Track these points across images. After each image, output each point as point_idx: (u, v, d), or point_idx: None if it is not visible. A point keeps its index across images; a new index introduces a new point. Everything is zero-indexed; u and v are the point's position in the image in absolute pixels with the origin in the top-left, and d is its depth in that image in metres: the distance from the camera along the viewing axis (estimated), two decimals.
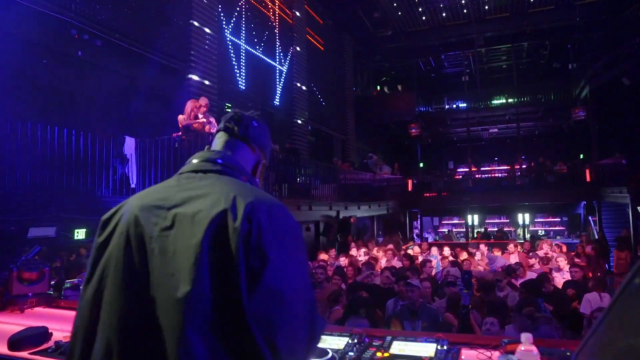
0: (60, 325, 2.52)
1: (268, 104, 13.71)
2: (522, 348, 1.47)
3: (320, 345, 1.78)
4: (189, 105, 7.87)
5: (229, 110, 9.42)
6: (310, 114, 15.84)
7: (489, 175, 20.21)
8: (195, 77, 10.18)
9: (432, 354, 1.64)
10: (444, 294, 6.27)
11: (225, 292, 1.00)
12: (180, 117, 7.77)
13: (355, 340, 1.80)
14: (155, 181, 7.59)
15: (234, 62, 11.94)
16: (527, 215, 21.08)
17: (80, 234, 7.61)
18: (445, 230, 22.99)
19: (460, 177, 20.45)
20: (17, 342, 2.14)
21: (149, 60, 9.22)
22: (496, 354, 1.85)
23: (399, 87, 23.30)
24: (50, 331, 2.32)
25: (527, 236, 19.86)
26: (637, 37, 13.73)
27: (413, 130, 21.25)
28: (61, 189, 6.43)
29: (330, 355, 1.61)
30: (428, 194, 19.98)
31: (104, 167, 7.01)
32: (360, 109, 20.79)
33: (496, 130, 22.56)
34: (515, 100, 20.84)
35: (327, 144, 18.47)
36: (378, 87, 23.87)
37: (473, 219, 21.91)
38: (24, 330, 2.23)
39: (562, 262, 8.02)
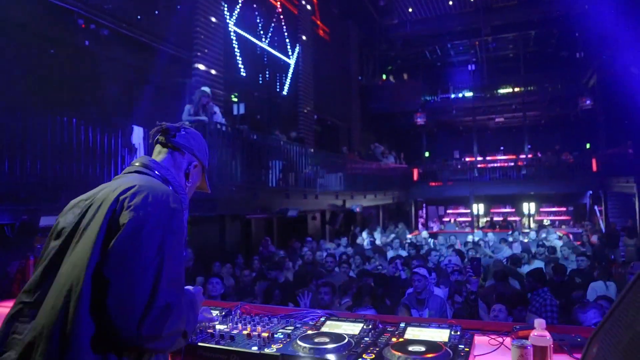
0: None
1: (274, 93, 13.70)
2: (536, 333, 1.51)
3: (336, 330, 1.83)
4: (197, 94, 7.88)
5: (235, 100, 9.43)
6: (316, 103, 15.82)
7: (495, 165, 20.15)
8: (201, 67, 10.18)
9: (446, 339, 1.68)
10: (447, 282, 6.32)
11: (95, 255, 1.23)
12: (188, 106, 7.79)
13: (370, 326, 1.84)
14: None
15: (239, 52, 11.92)
16: (532, 205, 21.06)
17: None
18: (451, 219, 23.00)
19: (466, 166, 20.41)
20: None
21: (156, 49, 9.23)
22: (508, 339, 1.89)
23: (405, 76, 23.19)
24: None
25: (533, 225, 19.88)
26: None
27: (418, 120, 21.21)
28: (71, 178, 6.48)
29: (346, 340, 1.65)
30: (434, 183, 20.00)
31: (113, 157, 7.05)
32: (365, 98, 20.74)
33: (502, 119, 22.44)
34: (522, 89, 20.72)
35: (333, 133, 18.45)
36: (384, 76, 23.76)
37: (478, 208, 21.92)
38: None
39: (567, 251, 8.06)
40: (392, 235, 13.24)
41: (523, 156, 20.22)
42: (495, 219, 21.62)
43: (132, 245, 1.22)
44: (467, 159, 22.40)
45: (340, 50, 18.89)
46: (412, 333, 1.76)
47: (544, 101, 20.33)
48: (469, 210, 21.82)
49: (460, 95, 22.38)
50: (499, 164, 20.44)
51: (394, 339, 1.68)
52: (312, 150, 12.28)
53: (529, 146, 20.79)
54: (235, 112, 10.69)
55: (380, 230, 15.25)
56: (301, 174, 10.64)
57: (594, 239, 11.18)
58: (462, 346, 1.59)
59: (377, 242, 11.55)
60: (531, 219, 20.59)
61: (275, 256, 8.70)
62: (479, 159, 21.70)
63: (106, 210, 1.29)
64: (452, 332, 1.73)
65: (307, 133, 14.77)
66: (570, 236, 14.22)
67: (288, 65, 14.34)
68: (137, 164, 1.55)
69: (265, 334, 1.78)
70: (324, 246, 10.47)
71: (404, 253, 9.35)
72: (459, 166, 20.84)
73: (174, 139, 1.60)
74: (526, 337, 1.80)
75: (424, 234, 12.36)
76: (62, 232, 1.35)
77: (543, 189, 18.19)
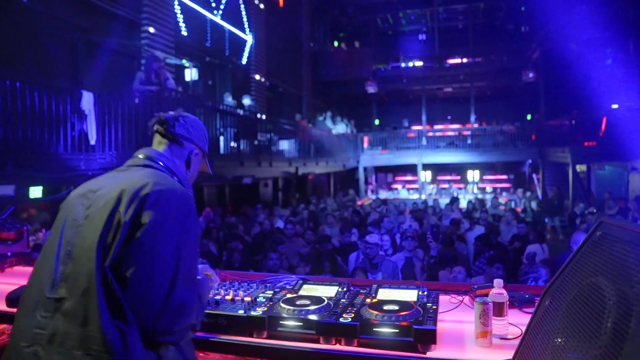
0: None
1: (226, 59, 13.41)
2: (495, 291, 1.71)
3: (313, 293, 1.97)
4: (148, 60, 7.65)
5: (187, 65, 9.16)
6: (268, 69, 15.63)
7: (443, 134, 20.81)
8: (151, 30, 9.81)
9: (415, 298, 1.86)
10: (402, 247, 6.65)
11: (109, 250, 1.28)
12: (140, 73, 7.55)
13: (345, 289, 2.00)
14: (116, 137, 7.45)
15: (190, 15, 11.52)
16: (476, 173, 22.02)
17: (36, 192, 7.42)
18: (399, 186, 23.68)
19: (416, 134, 20.95)
20: (14, 300, 2.20)
21: (103, 10, 8.78)
22: (467, 298, 2.10)
23: (357, 44, 23.21)
24: None
25: (476, 191, 20.84)
26: (584, 3, 14.27)
27: (369, 88, 21.41)
28: (17, 145, 6.21)
29: (326, 302, 1.79)
30: (384, 151, 20.44)
31: (62, 123, 6.78)
32: (317, 65, 20.67)
33: (450, 89, 23.06)
34: (470, 60, 21.30)
35: (284, 99, 18.37)
36: (335, 43, 23.68)
37: (425, 175, 22.67)
38: (19, 289, 2.28)
39: (510, 217, 8.62)
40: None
41: (469, 126, 20.96)
42: (442, 186, 22.50)
43: (152, 244, 1.27)
44: (416, 127, 22.96)
45: (292, 16, 18.60)
46: (384, 294, 1.93)
47: (490, 72, 21.03)
48: (416, 178, 22.55)
49: (410, 64, 22.72)
50: (445, 132, 21.13)
51: (368, 300, 1.85)
52: (264, 117, 12.23)
53: (475, 116, 21.55)
54: (187, 78, 10.43)
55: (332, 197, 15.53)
56: (254, 141, 10.63)
57: (533, 204, 11.94)
58: (430, 304, 1.78)
59: (329, 208, 11.79)
60: (475, 186, 21.54)
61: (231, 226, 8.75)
62: (427, 127, 22.29)
63: (121, 206, 1.31)
64: (420, 292, 1.92)
65: (259, 100, 14.64)
66: (512, 203, 15.14)
67: (241, 30, 14.02)
68: (141, 156, 1.56)
69: (247, 298, 1.90)
70: (277, 213, 10.61)
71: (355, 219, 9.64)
72: (409, 133, 21.35)
73: (173, 130, 1.61)
74: (484, 295, 2.02)
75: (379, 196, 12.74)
76: (72, 224, 1.37)
77: (487, 158, 19.04)
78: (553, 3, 17.11)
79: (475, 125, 20.67)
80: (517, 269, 6.76)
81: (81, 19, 8.71)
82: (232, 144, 9.47)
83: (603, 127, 13.00)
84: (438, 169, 22.58)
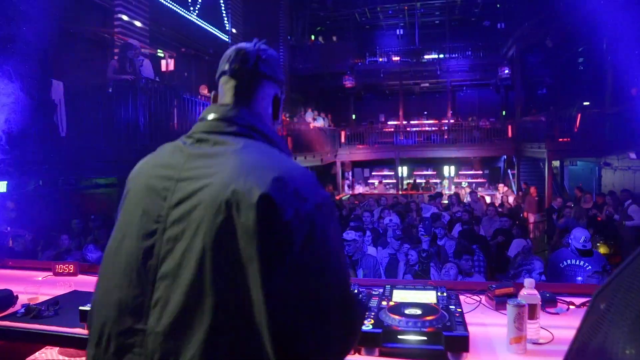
0: (21, 286, 2.35)
1: (202, 50, 13.05)
2: (526, 292, 1.57)
3: None
4: (122, 48, 7.31)
5: (161, 55, 8.80)
6: None
7: (420, 129, 20.88)
8: (124, 17, 9.42)
9: (435, 300, 1.71)
10: (385, 243, 6.53)
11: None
12: (113, 62, 7.21)
13: (355, 291, 1.83)
14: (88, 129, 7.09)
15: (167, 4, 11.15)
16: (452, 168, 22.15)
17: (1, 186, 7.03)
18: (375, 181, 23.68)
19: (393, 130, 20.97)
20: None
21: None
22: (484, 298, 1.96)
23: (334, 38, 23.05)
24: (15, 294, 2.15)
25: (452, 187, 20.99)
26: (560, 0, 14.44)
27: (347, 82, 21.28)
28: None
29: None
30: (361, 146, 20.36)
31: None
32: (294, 59, 20.42)
33: (427, 84, 23.13)
34: (446, 55, 21.39)
35: None
36: (313, 37, 23.46)
37: (402, 170, 22.71)
38: None
39: (492, 212, 8.62)
40: None
41: (445, 121, 21.08)
42: (418, 180, 22.59)
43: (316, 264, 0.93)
44: (393, 122, 22.96)
45: (270, 8, 18.28)
46: (399, 296, 1.78)
47: (466, 68, 21.16)
48: (393, 173, 22.56)
49: (387, 59, 22.69)
50: (422, 128, 21.20)
51: (384, 303, 1.68)
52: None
53: (451, 111, 21.67)
54: (163, 68, 10.07)
55: None
56: None
57: (511, 199, 12.03)
58: (454, 307, 1.63)
59: None
60: (451, 181, 21.67)
61: None
62: (404, 123, 22.32)
63: (250, 212, 0.90)
64: (439, 294, 1.76)
65: None
66: (487, 199, 15.25)
67: (218, 21, 13.67)
68: (232, 113, 1.10)
69: None
70: None
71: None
72: (386, 129, 21.35)
73: (259, 68, 1.19)
74: (503, 295, 1.89)
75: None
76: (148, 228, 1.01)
77: (463, 153, 19.18)
78: (528, 2, 17.31)
79: (452, 121, 20.79)
80: (501, 263, 6.76)
81: (48, 2, 8.26)
82: None
83: (577, 123, 13.20)
84: (414, 164, 22.64)
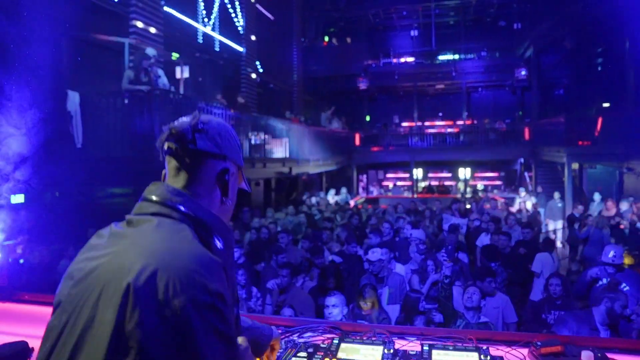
0: (38, 329, 2.26)
1: (217, 55, 13.00)
2: None
3: (356, 356, 1.67)
4: (137, 58, 7.26)
5: (175, 58, 8.72)
6: (258, 65, 15.25)
7: (434, 131, 20.64)
8: (139, 24, 9.38)
9: None
10: (406, 257, 6.38)
11: None
12: (129, 71, 7.16)
13: (391, 350, 1.71)
14: (103, 139, 7.06)
15: (180, 9, 11.09)
16: (467, 170, 21.89)
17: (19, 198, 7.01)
18: (390, 184, 23.50)
19: (407, 132, 20.77)
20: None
21: (87, 1, 8.32)
22: (527, 354, 1.83)
23: (348, 40, 22.89)
24: (31, 346, 1.97)
25: (468, 190, 20.74)
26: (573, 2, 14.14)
27: (361, 84, 21.16)
28: None
29: None
30: (375, 148, 20.20)
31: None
32: (307, 61, 20.31)
33: (442, 86, 22.87)
34: (461, 56, 21.12)
35: (275, 96, 17.99)
36: (326, 39, 23.32)
37: (417, 173, 22.50)
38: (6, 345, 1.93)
39: (511, 221, 8.42)
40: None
41: (461, 122, 20.82)
42: (433, 183, 22.36)
43: None
44: (407, 124, 22.76)
45: (283, 10, 18.20)
46: (439, 358, 1.65)
47: (481, 69, 20.88)
48: (407, 175, 22.37)
49: (402, 60, 22.48)
50: (437, 130, 20.96)
51: None
52: (257, 115, 11.87)
53: (466, 113, 21.41)
54: (178, 75, 10.03)
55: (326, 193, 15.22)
56: (248, 142, 10.28)
57: (529, 206, 11.78)
58: None
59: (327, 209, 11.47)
60: (466, 183, 21.43)
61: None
62: (419, 124, 22.11)
63: (113, 304, 0.89)
64: (482, 357, 1.64)
65: (250, 97, 14.26)
66: (504, 201, 15.00)
67: (232, 25, 13.60)
68: (153, 197, 1.07)
69: None
70: (271, 215, 10.29)
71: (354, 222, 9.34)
72: (401, 131, 21.17)
73: (196, 147, 1.10)
74: (550, 355, 1.75)
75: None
76: (58, 309, 1.01)
77: (478, 156, 18.92)
78: (545, 1, 16.97)
79: (467, 123, 20.53)
80: (522, 277, 6.55)
81: (61, 10, 8.24)
82: None
83: (599, 126, 12.90)
84: (429, 166, 22.42)
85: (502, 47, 20.62)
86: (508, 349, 1.88)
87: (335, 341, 1.80)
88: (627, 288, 4.68)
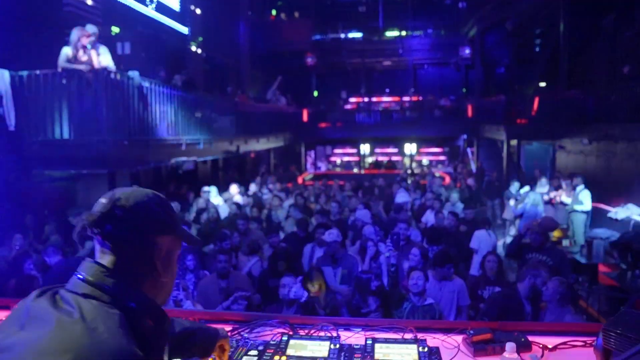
0: None
1: (160, 29, 12.51)
2: (507, 356, 1.59)
3: (303, 353, 1.77)
4: (75, 34, 6.87)
5: (116, 32, 8.32)
6: (204, 39, 14.82)
7: (382, 108, 20.95)
8: None
9: (417, 357, 1.72)
10: (354, 238, 6.56)
11: None
12: (66, 49, 6.78)
13: (337, 346, 1.82)
14: (38, 123, 6.72)
15: None
16: (413, 146, 22.43)
17: None
18: (337, 160, 23.75)
19: (355, 108, 20.97)
20: None
21: None
22: (461, 342, 1.99)
23: (296, 14, 22.58)
24: None
25: (414, 165, 21.33)
26: None
27: (309, 60, 21.02)
28: None
29: None
30: (323, 124, 20.27)
31: None
32: (255, 36, 19.91)
33: (389, 62, 23.13)
34: (408, 33, 21.40)
35: (222, 72, 17.60)
36: (274, 12, 22.90)
37: (364, 148, 22.85)
38: None
39: (455, 198, 8.81)
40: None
41: (407, 99, 21.22)
42: (380, 159, 22.83)
43: None
44: (355, 99, 22.93)
45: None
46: (381, 351, 1.77)
47: (427, 47, 21.26)
48: (355, 150, 22.68)
49: (350, 36, 22.49)
50: (384, 106, 21.30)
51: None
52: (203, 93, 11.61)
53: (413, 89, 21.82)
54: (119, 52, 9.60)
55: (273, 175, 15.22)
56: (194, 120, 10.06)
57: (470, 181, 12.29)
58: None
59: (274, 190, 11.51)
60: (412, 159, 22.00)
61: None
62: (366, 100, 22.33)
63: None
64: (421, 349, 1.78)
65: (196, 73, 13.88)
66: (448, 178, 15.59)
67: (178, 19, 13.06)
68: (86, 277, 1.04)
69: None
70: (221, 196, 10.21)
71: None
72: (349, 107, 21.34)
73: (114, 232, 1.07)
74: (481, 342, 1.92)
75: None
76: None
77: (424, 132, 19.43)
78: None
79: (414, 99, 20.96)
80: (464, 255, 6.89)
81: None
82: (171, 125, 8.88)
83: (535, 105, 13.56)
84: (376, 142, 22.80)
85: (447, 25, 21.04)
86: (444, 337, 2.04)
87: (285, 338, 1.90)
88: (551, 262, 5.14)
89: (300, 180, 16.46)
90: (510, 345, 1.62)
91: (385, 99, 22.93)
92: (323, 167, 23.30)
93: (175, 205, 8.71)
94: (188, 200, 10.01)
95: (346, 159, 23.41)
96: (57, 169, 7.35)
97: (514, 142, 16.43)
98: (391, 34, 22.00)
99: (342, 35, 22.55)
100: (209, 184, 11.60)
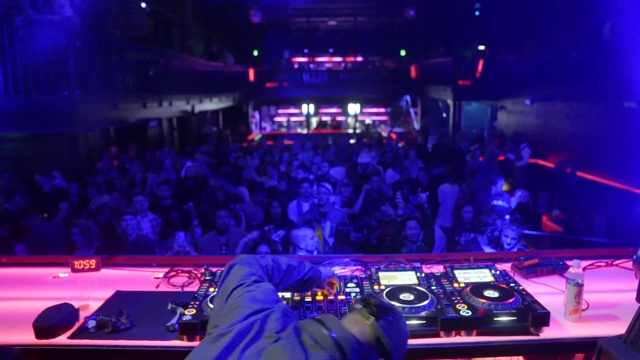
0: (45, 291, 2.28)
1: None
2: (576, 271, 1.92)
3: (394, 282, 2.02)
4: None
5: None
6: None
7: (329, 68, 21.01)
8: None
9: (493, 279, 2.04)
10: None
11: None
12: None
13: (422, 274, 2.09)
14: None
15: None
16: (357, 106, 22.82)
17: None
18: (283, 119, 23.71)
19: (302, 68, 20.89)
20: (48, 328, 1.81)
21: None
22: (510, 267, 2.32)
23: None
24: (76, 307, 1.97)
25: (358, 125, 21.76)
26: None
27: (254, 17, 20.48)
28: None
29: (430, 298, 1.85)
30: (270, 84, 20.07)
31: None
32: None
33: (334, 22, 23.05)
34: None
35: (167, 28, 16.78)
36: None
37: (309, 108, 22.94)
38: (48, 313, 1.86)
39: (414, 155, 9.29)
40: None
41: (351, 59, 21.40)
42: (324, 118, 23.05)
43: None
44: (298, 59, 22.79)
45: None
46: (461, 276, 2.06)
47: (373, 7, 21.35)
48: (299, 111, 22.71)
49: None
50: (331, 66, 21.37)
51: (456, 284, 1.97)
52: (151, 49, 11.12)
53: (357, 50, 21.99)
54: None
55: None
56: (153, 77, 9.74)
57: (420, 139, 12.89)
58: (514, 285, 1.96)
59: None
60: (356, 118, 22.42)
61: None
62: (314, 60, 22.27)
63: None
64: (494, 272, 2.09)
65: (140, 28, 13.15)
66: (394, 135, 16.18)
67: None
68: (327, 331, 1.26)
69: (341, 297, 1.91)
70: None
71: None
72: (296, 67, 21.21)
73: (378, 323, 1.30)
74: (531, 266, 2.26)
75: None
76: None
77: (368, 92, 19.80)
78: None
79: (358, 59, 21.18)
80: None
81: None
82: (131, 83, 8.57)
83: (480, 68, 14.23)
84: (320, 102, 22.92)
85: None
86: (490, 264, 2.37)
87: (374, 270, 2.14)
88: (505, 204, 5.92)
89: (249, 139, 16.38)
90: (576, 262, 1.96)
91: (332, 59, 22.92)
92: (268, 127, 23.21)
93: (138, 166, 8.54)
94: (148, 160, 9.78)
95: (293, 119, 23.42)
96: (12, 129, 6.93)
97: (450, 102, 17.24)
98: None
99: None
100: (161, 145, 11.37)
